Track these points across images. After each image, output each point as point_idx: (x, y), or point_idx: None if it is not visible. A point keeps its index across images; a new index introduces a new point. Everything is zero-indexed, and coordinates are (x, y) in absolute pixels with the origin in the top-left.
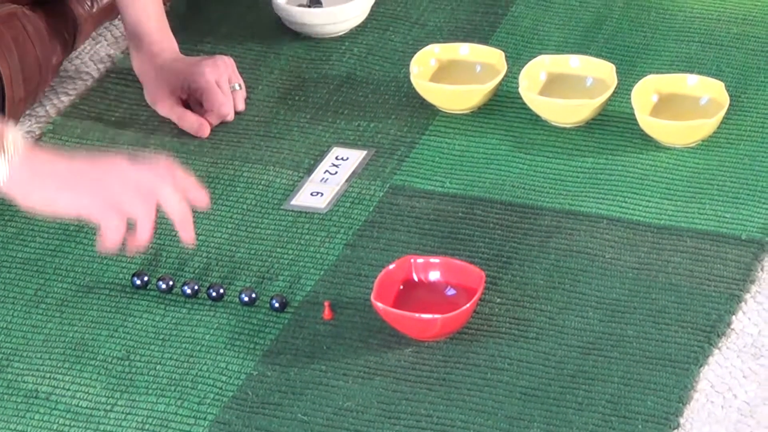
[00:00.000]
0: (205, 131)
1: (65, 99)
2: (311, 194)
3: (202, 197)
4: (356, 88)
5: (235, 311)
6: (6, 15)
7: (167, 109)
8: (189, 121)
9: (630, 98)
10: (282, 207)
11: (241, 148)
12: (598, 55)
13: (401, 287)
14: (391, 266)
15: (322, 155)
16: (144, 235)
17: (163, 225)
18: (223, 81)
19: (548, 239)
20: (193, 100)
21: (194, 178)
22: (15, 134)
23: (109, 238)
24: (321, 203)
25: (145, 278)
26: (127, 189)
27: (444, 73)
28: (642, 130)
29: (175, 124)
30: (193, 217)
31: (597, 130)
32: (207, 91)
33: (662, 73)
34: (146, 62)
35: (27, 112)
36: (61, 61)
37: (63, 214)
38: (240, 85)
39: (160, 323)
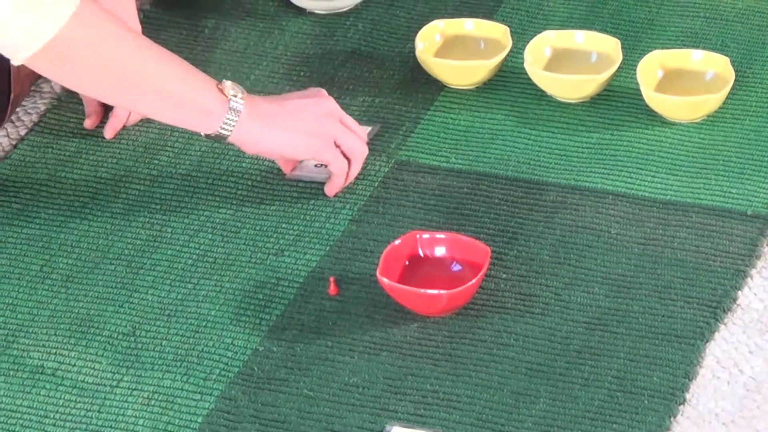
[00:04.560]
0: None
1: None
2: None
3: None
4: (361, 64)
5: (240, 287)
6: None
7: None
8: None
9: (635, 73)
10: (287, 176)
11: None
12: (603, 31)
13: (407, 263)
14: (397, 242)
15: None
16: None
17: (167, 201)
18: None
19: (554, 215)
20: None
21: None
22: (232, 84)
23: (341, 177)
24: (325, 174)
25: None
26: (338, 125)
27: (449, 48)
28: (647, 106)
29: None
30: (198, 193)
31: (602, 106)
32: None
33: (667, 48)
34: None
35: (32, 87)
36: None
37: (292, 157)
38: None
39: (165, 299)
